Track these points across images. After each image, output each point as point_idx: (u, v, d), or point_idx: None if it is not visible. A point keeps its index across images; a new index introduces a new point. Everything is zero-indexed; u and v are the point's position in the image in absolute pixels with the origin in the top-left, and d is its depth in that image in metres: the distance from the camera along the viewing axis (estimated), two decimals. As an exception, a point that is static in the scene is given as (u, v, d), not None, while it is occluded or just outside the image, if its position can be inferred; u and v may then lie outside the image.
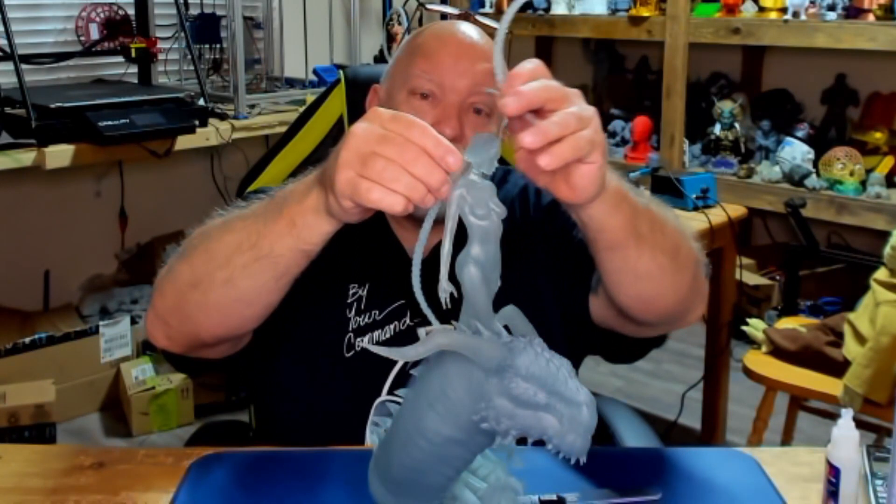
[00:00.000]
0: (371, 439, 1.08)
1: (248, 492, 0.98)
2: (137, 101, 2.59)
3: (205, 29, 3.16)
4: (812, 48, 3.02)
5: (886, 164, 3.03)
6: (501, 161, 0.81)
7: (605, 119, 3.90)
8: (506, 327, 0.79)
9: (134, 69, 3.04)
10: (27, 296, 3.07)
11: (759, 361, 2.19)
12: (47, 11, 2.98)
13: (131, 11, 2.99)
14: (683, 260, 1.01)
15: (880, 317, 1.94)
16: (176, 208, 3.30)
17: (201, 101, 2.76)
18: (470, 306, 0.77)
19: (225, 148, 2.94)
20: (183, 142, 2.65)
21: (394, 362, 1.12)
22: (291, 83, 3.30)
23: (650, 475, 1.02)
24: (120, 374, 2.89)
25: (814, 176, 3.05)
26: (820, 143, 3.25)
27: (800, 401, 2.34)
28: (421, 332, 0.77)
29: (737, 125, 3.35)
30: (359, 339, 1.15)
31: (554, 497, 0.95)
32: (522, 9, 3.75)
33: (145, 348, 2.99)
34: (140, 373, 2.87)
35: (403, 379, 1.10)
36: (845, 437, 0.91)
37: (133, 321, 2.97)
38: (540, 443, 0.76)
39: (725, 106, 3.37)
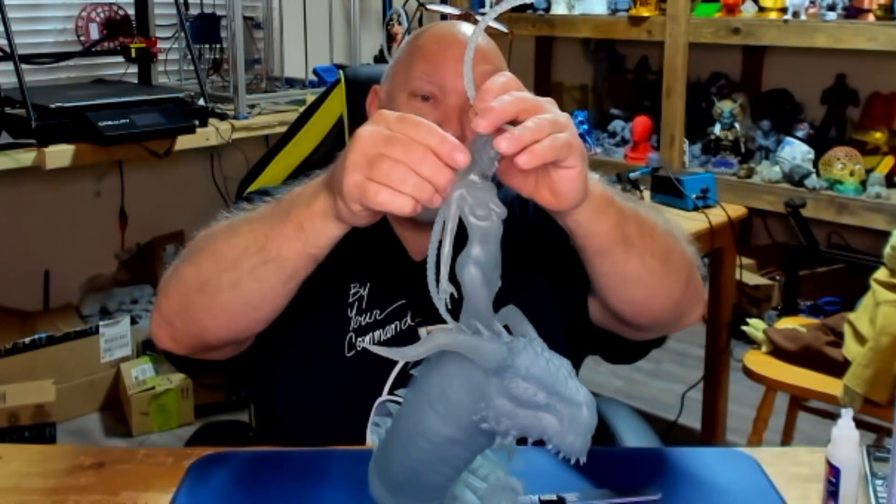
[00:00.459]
0: (371, 439, 1.08)
1: (248, 492, 0.98)
2: (137, 101, 2.59)
3: (205, 29, 3.16)
4: (812, 48, 3.03)
5: (886, 164, 3.03)
6: None
7: (605, 119, 3.90)
8: (506, 327, 0.79)
9: (134, 69, 3.04)
10: (27, 296, 3.07)
11: (759, 361, 2.19)
12: (47, 11, 2.98)
13: (131, 11, 2.99)
14: (675, 263, 1.01)
15: (880, 317, 1.94)
16: (176, 208, 3.31)
17: (201, 101, 2.76)
18: (470, 307, 0.77)
19: (225, 148, 2.95)
20: (183, 142, 2.65)
21: (395, 362, 1.12)
22: (291, 83, 3.30)
23: (650, 475, 1.02)
24: (120, 374, 2.89)
25: (814, 176, 3.05)
26: (820, 143, 3.25)
27: (800, 401, 2.34)
28: (422, 331, 0.77)
29: (737, 125, 3.35)
30: (360, 339, 1.15)
31: (554, 497, 0.95)
32: (522, 8, 3.76)
33: (145, 348, 2.99)
34: (140, 373, 2.87)
35: (404, 379, 1.10)
36: (845, 437, 0.91)
37: (133, 321, 2.97)
38: (540, 443, 0.76)
39: (725, 106, 3.37)
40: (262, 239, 0.89)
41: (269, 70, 3.33)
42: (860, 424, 0.96)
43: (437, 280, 0.77)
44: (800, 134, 3.28)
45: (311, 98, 2.26)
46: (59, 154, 2.42)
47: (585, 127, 3.70)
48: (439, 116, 1.10)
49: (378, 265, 1.18)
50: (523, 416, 0.75)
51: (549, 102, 0.82)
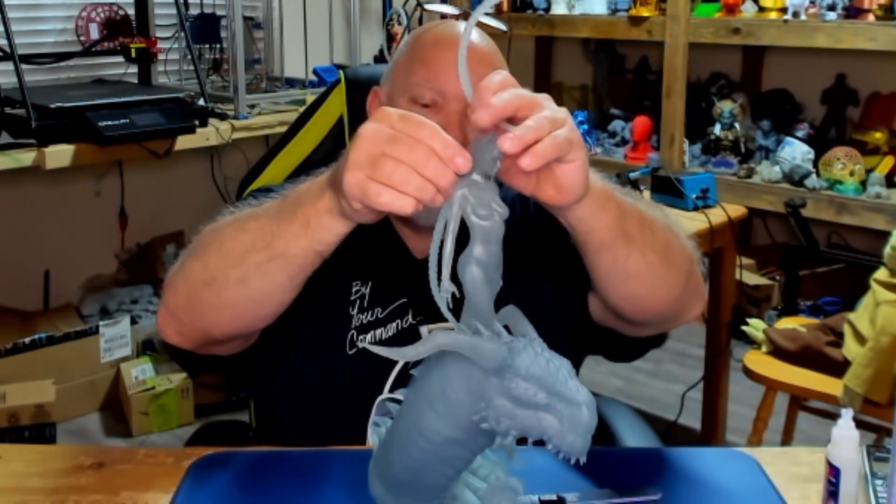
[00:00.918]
0: (371, 439, 1.08)
1: (248, 492, 0.98)
2: (137, 101, 2.59)
3: (205, 29, 3.16)
4: (812, 48, 3.02)
5: (886, 164, 3.03)
6: None
7: (605, 119, 3.90)
8: (506, 327, 0.79)
9: (134, 69, 3.04)
10: (27, 296, 3.07)
11: (759, 361, 2.19)
12: (47, 11, 2.98)
13: (131, 11, 2.99)
14: (675, 258, 1.01)
15: (880, 317, 1.94)
16: (176, 208, 3.31)
17: (201, 101, 2.76)
18: (471, 306, 0.77)
19: (225, 148, 2.95)
20: (183, 142, 2.65)
21: (395, 361, 1.12)
22: (291, 83, 3.30)
23: (650, 475, 1.02)
24: (120, 374, 2.89)
25: (814, 176, 3.05)
26: (820, 143, 3.25)
27: (800, 401, 2.34)
28: (423, 330, 0.77)
29: (737, 125, 3.35)
30: (361, 337, 1.16)
31: (554, 497, 0.95)
32: (522, 8, 3.76)
33: (145, 348, 2.99)
34: (140, 373, 2.87)
35: (405, 377, 1.10)
36: (845, 437, 0.91)
37: (133, 321, 2.97)
38: (540, 443, 0.76)
39: (725, 106, 3.37)
40: (268, 235, 0.89)
41: (269, 70, 3.33)
42: (860, 424, 0.96)
43: (439, 279, 0.77)
44: (800, 134, 3.28)
45: (311, 98, 2.26)
46: (59, 154, 2.42)
47: (585, 127, 3.70)
48: (441, 122, 1.09)
49: (380, 263, 1.18)
50: (523, 416, 0.75)
51: (545, 98, 0.83)
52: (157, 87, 2.99)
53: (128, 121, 2.47)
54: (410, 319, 1.17)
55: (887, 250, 1.98)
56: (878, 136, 3.18)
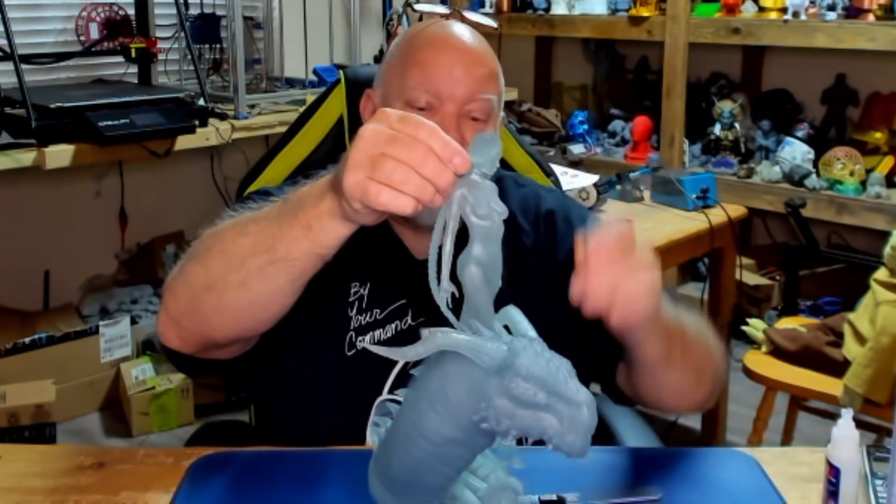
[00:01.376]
0: (371, 439, 1.08)
1: (248, 492, 0.98)
2: (137, 101, 2.59)
3: (205, 29, 3.16)
4: (812, 48, 3.03)
5: (886, 164, 3.03)
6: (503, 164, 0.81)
7: (605, 119, 3.90)
8: (506, 327, 0.79)
9: (134, 69, 3.04)
10: (27, 296, 3.07)
11: (759, 361, 2.19)
12: (47, 11, 2.98)
13: (131, 11, 2.99)
14: (708, 376, 1.10)
15: (880, 317, 1.94)
16: (176, 208, 3.30)
17: (201, 101, 2.76)
18: (471, 306, 0.77)
19: (225, 148, 2.94)
20: (183, 142, 2.65)
21: (395, 361, 1.12)
22: (291, 83, 3.29)
23: (650, 475, 1.02)
24: (120, 374, 2.89)
25: (814, 176, 3.05)
26: (820, 143, 3.25)
27: (800, 401, 2.34)
28: (424, 332, 0.77)
29: (737, 125, 3.35)
30: (360, 338, 1.15)
31: (554, 497, 0.95)
32: (522, 8, 3.76)
33: (145, 348, 2.99)
34: (140, 373, 2.87)
35: (405, 378, 1.10)
36: (845, 437, 0.91)
37: (133, 321, 2.97)
38: (540, 443, 0.76)
39: (725, 106, 3.37)
40: (269, 239, 0.89)
41: (269, 70, 3.33)
42: (860, 424, 0.96)
43: (439, 279, 0.77)
44: (800, 134, 3.28)
45: (311, 98, 2.26)
46: (59, 154, 2.42)
47: (585, 127, 3.70)
48: (437, 124, 1.10)
49: (379, 264, 1.18)
50: (523, 416, 0.75)
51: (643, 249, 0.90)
52: (157, 87, 2.99)
53: (128, 121, 2.46)
54: (409, 321, 1.17)
55: (887, 250, 1.98)
56: (878, 136, 3.19)
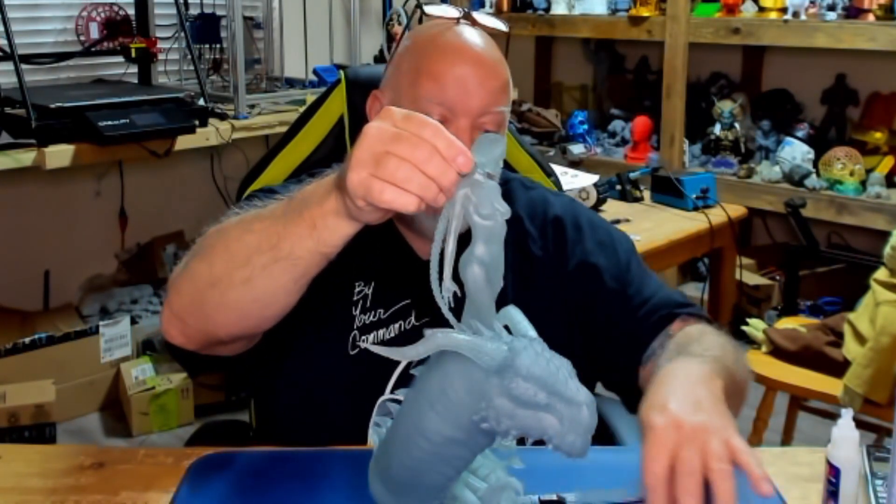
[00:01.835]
0: (372, 439, 1.08)
1: (248, 492, 0.98)
2: (137, 101, 2.59)
3: (205, 29, 3.16)
4: (812, 48, 3.03)
5: (886, 164, 3.03)
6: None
7: (605, 119, 3.90)
8: (506, 327, 0.79)
9: (134, 69, 3.04)
10: (27, 296, 3.07)
11: (759, 361, 2.19)
12: (47, 11, 2.98)
13: (131, 11, 2.99)
14: (741, 402, 1.10)
15: (880, 317, 1.94)
16: (176, 208, 3.31)
17: (201, 101, 2.76)
18: (472, 306, 0.77)
19: (225, 148, 2.94)
20: (183, 142, 2.65)
21: (397, 361, 1.12)
22: (291, 83, 3.30)
23: (650, 475, 1.01)
24: (120, 374, 2.88)
25: (814, 176, 3.05)
26: (820, 143, 3.25)
27: (800, 401, 2.34)
28: (427, 332, 0.77)
29: (737, 125, 3.35)
30: (363, 338, 1.16)
31: (554, 497, 0.95)
32: (522, 8, 3.76)
33: (145, 348, 2.99)
34: (140, 373, 2.87)
35: (407, 378, 1.10)
36: (845, 437, 0.91)
37: (133, 321, 2.97)
38: (540, 443, 0.76)
39: (725, 106, 3.37)
40: (274, 237, 0.89)
41: (269, 70, 3.33)
42: (860, 424, 0.96)
43: (441, 278, 0.77)
44: (800, 134, 3.28)
45: (311, 98, 2.26)
46: (59, 154, 2.42)
47: (585, 127, 3.70)
48: None
49: (383, 264, 1.18)
50: (523, 416, 0.75)
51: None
52: (157, 87, 2.99)
53: (128, 121, 2.46)
54: (413, 321, 1.17)
55: (887, 250, 1.98)
56: (878, 136, 3.19)
